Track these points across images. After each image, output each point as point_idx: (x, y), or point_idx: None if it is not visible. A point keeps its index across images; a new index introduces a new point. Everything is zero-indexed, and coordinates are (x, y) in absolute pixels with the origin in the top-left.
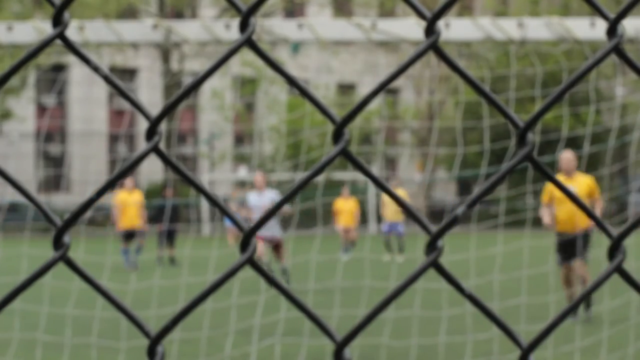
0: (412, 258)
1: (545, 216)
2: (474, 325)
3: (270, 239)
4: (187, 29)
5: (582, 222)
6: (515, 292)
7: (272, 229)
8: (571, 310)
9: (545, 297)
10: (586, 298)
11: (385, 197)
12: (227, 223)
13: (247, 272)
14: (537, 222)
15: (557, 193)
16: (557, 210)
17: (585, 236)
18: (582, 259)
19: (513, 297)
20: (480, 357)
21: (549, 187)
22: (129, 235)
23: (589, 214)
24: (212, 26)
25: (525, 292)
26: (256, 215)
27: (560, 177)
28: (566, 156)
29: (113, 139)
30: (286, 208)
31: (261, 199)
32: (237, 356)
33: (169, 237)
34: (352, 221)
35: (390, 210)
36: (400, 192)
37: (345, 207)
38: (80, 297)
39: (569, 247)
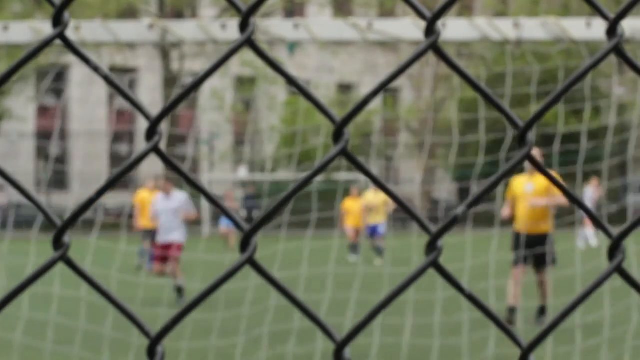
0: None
1: (505, 210)
2: (471, 326)
3: (166, 245)
4: (184, 29)
5: (542, 226)
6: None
7: (170, 233)
8: (571, 310)
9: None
10: (585, 299)
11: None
12: (223, 225)
13: (231, 284)
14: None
15: (517, 191)
16: (517, 208)
17: (544, 240)
18: (544, 267)
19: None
20: (477, 357)
21: (511, 185)
22: (148, 235)
23: (589, 213)
24: (208, 26)
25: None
26: (163, 220)
27: (524, 176)
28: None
29: (113, 138)
30: (192, 213)
31: (168, 203)
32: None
33: None
34: (362, 222)
35: (372, 213)
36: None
37: (355, 207)
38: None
39: (526, 249)
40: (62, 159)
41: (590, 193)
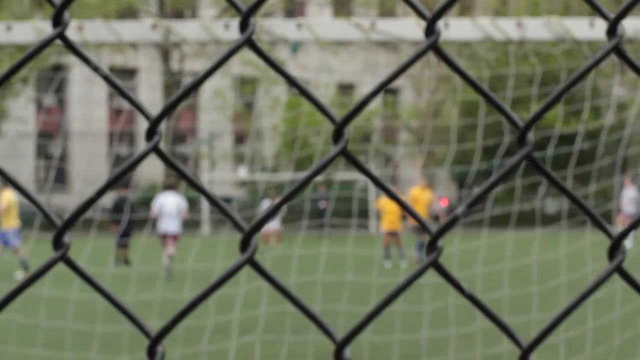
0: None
1: None
2: (457, 319)
3: None
4: (186, 29)
5: None
6: (498, 284)
7: None
8: (572, 309)
9: (528, 289)
10: (585, 299)
11: None
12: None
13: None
14: (521, 217)
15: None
16: None
17: None
18: None
19: (496, 289)
20: (464, 351)
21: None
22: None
23: (588, 212)
24: (211, 26)
25: (507, 285)
26: None
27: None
28: None
29: (113, 138)
30: None
31: None
32: (214, 351)
33: (124, 236)
34: (398, 223)
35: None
36: None
37: (390, 206)
38: (78, 308)
39: None
40: (62, 159)
41: (632, 192)
